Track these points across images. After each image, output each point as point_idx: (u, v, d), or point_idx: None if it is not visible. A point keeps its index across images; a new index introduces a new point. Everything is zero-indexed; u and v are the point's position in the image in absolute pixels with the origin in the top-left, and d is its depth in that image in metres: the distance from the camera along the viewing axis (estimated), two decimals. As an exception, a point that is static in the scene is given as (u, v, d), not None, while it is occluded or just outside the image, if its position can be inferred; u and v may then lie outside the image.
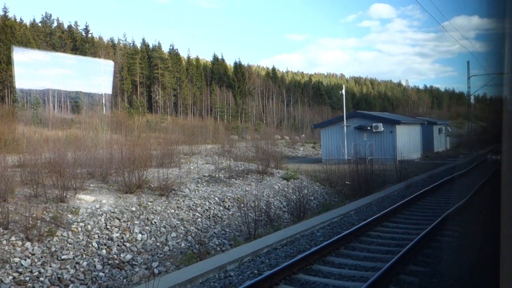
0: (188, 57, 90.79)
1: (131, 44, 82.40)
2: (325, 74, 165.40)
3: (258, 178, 18.09)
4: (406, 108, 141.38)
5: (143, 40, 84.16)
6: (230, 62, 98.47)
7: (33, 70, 47.62)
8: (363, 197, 14.91)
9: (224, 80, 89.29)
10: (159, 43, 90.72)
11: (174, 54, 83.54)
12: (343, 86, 29.07)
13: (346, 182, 17.86)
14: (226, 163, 22.69)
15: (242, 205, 14.21)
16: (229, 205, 13.84)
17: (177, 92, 79.78)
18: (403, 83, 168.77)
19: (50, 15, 66.82)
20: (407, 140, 29.54)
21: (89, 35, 71.59)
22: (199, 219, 12.38)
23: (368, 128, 27.73)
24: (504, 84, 1.18)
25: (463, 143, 45.91)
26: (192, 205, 13.01)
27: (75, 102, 62.87)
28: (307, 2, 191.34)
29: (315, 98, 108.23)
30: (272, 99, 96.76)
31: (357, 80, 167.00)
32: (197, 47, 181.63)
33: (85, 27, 68.35)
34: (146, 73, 76.58)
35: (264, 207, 14.72)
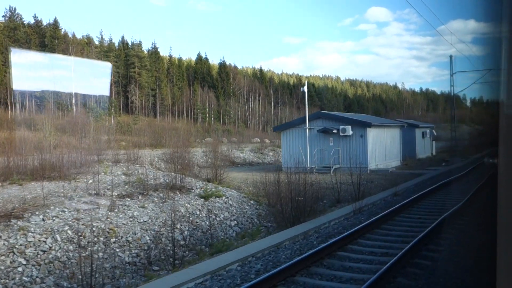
0: (170, 56, 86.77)
1: (108, 42, 78.40)
2: (320, 76, 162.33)
3: (169, 196, 13.97)
4: (401, 111, 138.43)
5: (122, 38, 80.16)
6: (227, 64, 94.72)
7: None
8: (290, 227, 10.89)
9: (207, 80, 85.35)
10: (139, 42, 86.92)
11: (154, 52, 79.52)
12: (305, 82, 25.05)
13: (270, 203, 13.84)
14: (152, 173, 18.59)
15: (114, 239, 10.12)
16: (88, 242, 9.71)
17: (156, 92, 75.72)
18: (399, 85, 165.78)
19: (15, 8, 62.71)
20: (382, 146, 25.48)
21: (62, 32, 67.49)
22: (20, 268, 8.26)
23: (334, 131, 23.66)
24: (501, 88, 1.18)
25: (450, 148, 41.95)
26: (21, 244, 8.87)
27: (40, 101, 58.72)
28: (304, 6, 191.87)
29: (304, 99, 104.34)
30: (258, 101, 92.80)
31: (352, 83, 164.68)
32: (194, 50, 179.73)
33: (53, 22, 64.20)
34: (122, 72, 72.49)
35: (150, 241, 10.62)
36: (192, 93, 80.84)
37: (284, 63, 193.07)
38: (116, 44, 77.46)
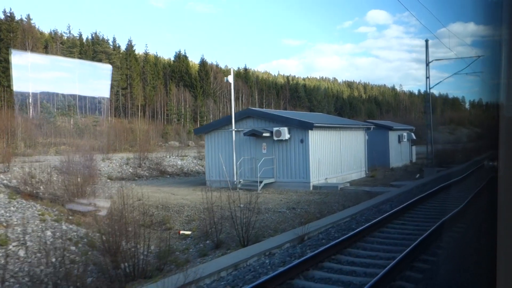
0: (146, 54, 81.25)
1: (77, 37, 73.02)
2: (318, 78, 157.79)
3: None
4: (397, 113, 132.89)
5: (95, 34, 74.56)
6: (224, 67, 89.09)
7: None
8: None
9: (186, 80, 79.78)
10: (114, 38, 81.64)
11: (129, 49, 74.05)
12: (231, 70, 19.29)
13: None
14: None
15: None
16: None
17: (126, 92, 70.20)
18: (397, 87, 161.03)
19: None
20: (334, 153, 19.73)
21: (37, 28, 61.97)
22: None
23: (266, 134, 17.91)
24: (501, 90, 1.19)
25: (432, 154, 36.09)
26: None
27: None
28: (303, 8, 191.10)
29: (293, 100, 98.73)
30: (242, 101, 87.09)
31: (349, 84, 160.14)
32: (192, 52, 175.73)
33: (9, 14, 58.76)
34: (88, 69, 66.94)
35: None
36: (167, 92, 75.25)
37: (284, 66, 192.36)
38: (90, 40, 72.08)
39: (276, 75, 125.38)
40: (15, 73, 29.72)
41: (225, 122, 19.47)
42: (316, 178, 17.83)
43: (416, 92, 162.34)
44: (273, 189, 17.82)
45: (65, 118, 57.55)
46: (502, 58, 1.15)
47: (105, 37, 73.32)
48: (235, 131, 18.67)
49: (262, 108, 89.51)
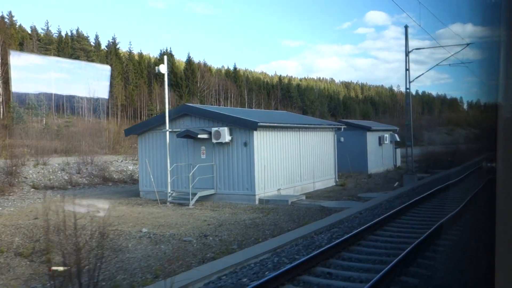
0: (130, 52, 78.16)
1: (57, 35, 69.93)
2: (315, 78, 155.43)
3: None
4: (394, 114, 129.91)
5: (77, 30, 71.25)
6: (220, 67, 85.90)
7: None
8: None
9: (171, 79, 76.59)
10: (96, 36, 78.62)
11: (113, 47, 70.97)
12: (165, 58, 16.09)
13: None
14: None
15: None
16: None
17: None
18: (395, 88, 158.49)
19: None
20: (291, 158, 16.51)
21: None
22: None
23: (203, 136, 14.67)
24: (499, 91, 1.20)
25: (425, 157, 32.91)
26: None
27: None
28: (302, 10, 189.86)
29: (284, 101, 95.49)
30: (230, 101, 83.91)
31: (347, 85, 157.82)
32: (193, 53, 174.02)
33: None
34: (65, 68, 63.81)
35: None
36: (150, 92, 72.11)
37: (283, 67, 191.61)
38: (70, 36, 68.91)
39: (273, 75, 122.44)
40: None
41: (159, 121, 16.21)
42: (264, 189, 14.59)
43: (414, 92, 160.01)
44: (211, 202, 14.59)
45: (37, 118, 54.45)
46: (501, 59, 1.16)
47: (86, 34, 70.15)
48: (171, 132, 15.43)
49: (251, 107, 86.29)
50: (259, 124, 13.89)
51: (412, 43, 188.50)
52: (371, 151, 23.60)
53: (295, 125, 16.62)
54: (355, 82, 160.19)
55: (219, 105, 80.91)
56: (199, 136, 14.63)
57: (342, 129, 19.72)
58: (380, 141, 24.85)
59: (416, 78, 24.25)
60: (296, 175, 16.55)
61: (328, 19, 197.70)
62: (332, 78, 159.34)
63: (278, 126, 15.50)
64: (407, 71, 19.63)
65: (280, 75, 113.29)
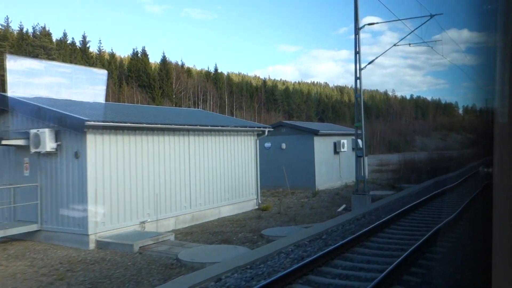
0: (99, 51, 73.14)
1: (17, 31, 64.83)
2: (309, 82, 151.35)
3: None
4: (387, 118, 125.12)
5: (43, 27, 65.94)
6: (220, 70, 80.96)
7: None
8: None
9: (143, 80, 71.62)
10: (64, 33, 73.58)
11: (84, 45, 66.02)
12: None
13: None
14: None
15: None
16: None
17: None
18: (390, 93, 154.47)
19: None
20: (168, 175, 11.32)
21: None
22: None
23: (22, 143, 9.50)
24: (495, 96, 1.20)
25: (404, 167, 27.83)
26: None
27: None
28: (299, 15, 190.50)
29: (268, 104, 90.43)
30: (209, 104, 78.76)
31: (341, 89, 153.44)
32: (191, 57, 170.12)
33: None
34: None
35: None
36: (120, 93, 66.99)
37: (280, 72, 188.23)
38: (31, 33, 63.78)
39: (266, 79, 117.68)
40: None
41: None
42: (109, 224, 9.39)
43: (408, 97, 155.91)
44: (32, 243, 9.40)
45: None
46: (497, 64, 1.18)
47: (49, 31, 65.01)
48: (-18, 135, 10.25)
49: (232, 110, 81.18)
50: (87, 123, 8.66)
51: (409, 49, 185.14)
52: (320, 161, 18.41)
53: (180, 126, 11.36)
54: (349, 86, 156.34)
55: (196, 107, 75.44)
56: (12, 142, 9.45)
57: (267, 133, 14.43)
58: (336, 148, 19.69)
59: (370, 63, 19.39)
60: (181, 198, 11.33)
61: (325, 24, 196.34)
62: (326, 83, 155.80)
63: (141, 127, 10.28)
64: (357, 54, 14.53)
65: (265, 78, 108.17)
